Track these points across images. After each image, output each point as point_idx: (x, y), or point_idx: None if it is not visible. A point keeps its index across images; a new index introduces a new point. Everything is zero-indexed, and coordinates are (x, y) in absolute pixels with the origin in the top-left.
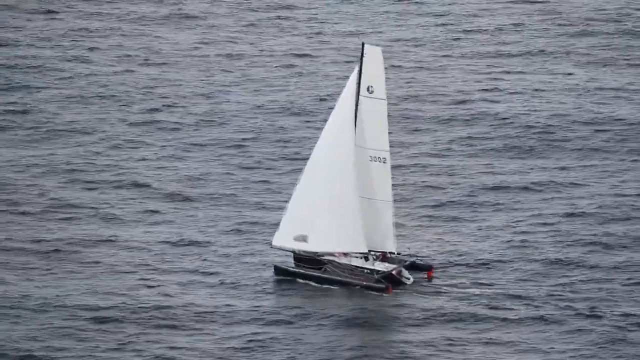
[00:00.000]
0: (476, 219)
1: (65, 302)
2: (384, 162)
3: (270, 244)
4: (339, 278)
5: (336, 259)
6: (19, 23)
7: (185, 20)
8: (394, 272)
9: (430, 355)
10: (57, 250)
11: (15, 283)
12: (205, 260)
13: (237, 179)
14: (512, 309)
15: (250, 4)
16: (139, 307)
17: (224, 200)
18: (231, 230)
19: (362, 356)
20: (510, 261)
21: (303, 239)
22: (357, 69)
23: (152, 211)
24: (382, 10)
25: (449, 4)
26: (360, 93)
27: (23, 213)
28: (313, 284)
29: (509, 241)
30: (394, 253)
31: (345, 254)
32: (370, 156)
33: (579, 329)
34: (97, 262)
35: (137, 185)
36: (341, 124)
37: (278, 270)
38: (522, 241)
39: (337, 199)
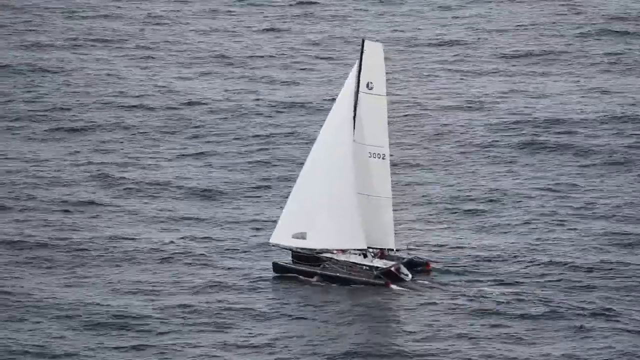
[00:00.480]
0: (493, 218)
1: (89, 301)
2: (383, 159)
3: (268, 241)
4: (337, 274)
5: (334, 256)
6: (42, 23)
7: (207, 20)
8: (392, 269)
9: (439, 350)
10: (80, 249)
11: (39, 282)
12: (227, 258)
13: (258, 177)
14: (527, 308)
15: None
16: (161, 306)
17: (246, 197)
18: (253, 228)
19: (367, 354)
20: (526, 260)
21: (302, 236)
22: (356, 65)
23: (173, 209)
24: (404, 10)
25: (471, 4)
26: (360, 89)
27: (45, 210)
28: (312, 280)
29: (526, 241)
30: (392, 250)
31: (343, 251)
32: (370, 152)
33: (595, 328)
34: (120, 260)
35: (158, 183)
36: (340, 122)
37: (277, 267)
38: (538, 239)
39: (336, 197)
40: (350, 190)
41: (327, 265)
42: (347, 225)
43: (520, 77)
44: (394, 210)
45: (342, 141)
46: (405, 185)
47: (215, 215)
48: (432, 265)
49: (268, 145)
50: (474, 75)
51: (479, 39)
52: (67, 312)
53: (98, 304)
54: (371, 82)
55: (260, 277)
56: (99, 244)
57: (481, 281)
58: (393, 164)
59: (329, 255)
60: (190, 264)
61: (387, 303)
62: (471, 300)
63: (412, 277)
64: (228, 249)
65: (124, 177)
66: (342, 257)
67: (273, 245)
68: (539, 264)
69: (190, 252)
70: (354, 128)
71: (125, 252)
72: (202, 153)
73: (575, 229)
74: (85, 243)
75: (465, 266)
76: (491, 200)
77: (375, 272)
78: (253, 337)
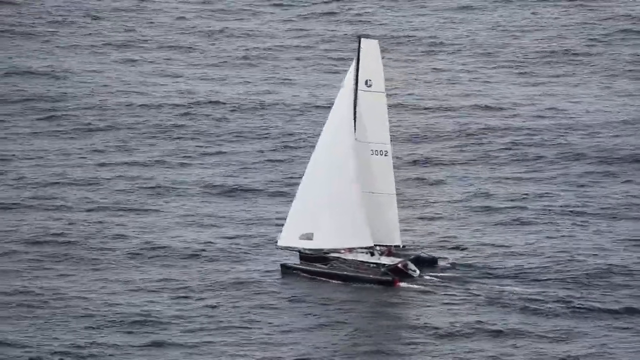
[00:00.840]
0: (516, 217)
1: (114, 300)
2: (385, 155)
3: (275, 244)
4: (345, 273)
5: (342, 256)
6: (66, 26)
7: (230, 21)
8: (400, 265)
9: (461, 349)
10: (104, 249)
11: (64, 281)
12: (251, 256)
13: (281, 176)
14: (549, 307)
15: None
16: (186, 305)
17: (269, 196)
18: (276, 226)
19: (391, 353)
20: (549, 260)
21: (308, 237)
22: (354, 63)
23: (196, 208)
24: (427, 11)
25: (494, 5)
26: (359, 87)
27: (70, 210)
28: (320, 280)
29: (549, 241)
30: (399, 247)
31: (350, 250)
32: (372, 150)
33: (618, 328)
34: (144, 259)
35: (182, 182)
36: (339, 120)
37: (285, 268)
38: (561, 239)
39: (339, 196)
40: (352, 188)
41: (334, 265)
42: (351, 223)
43: (543, 78)
44: (418, 208)
45: (342, 139)
46: (430, 184)
47: (238, 214)
48: (451, 261)
49: (291, 145)
50: (497, 77)
51: (502, 40)
52: (92, 311)
53: (123, 304)
54: (370, 80)
55: (283, 275)
56: (124, 242)
57: (502, 279)
58: (417, 164)
59: (336, 254)
60: (214, 262)
61: (405, 301)
62: (492, 298)
63: (420, 274)
64: (251, 248)
65: (148, 177)
66: (349, 256)
67: (281, 249)
68: (561, 264)
69: (214, 251)
70: (355, 126)
71: (150, 251)
72: (225, 152)
73: (599, 230)
74: (110, 242)
75: (489, 265)
76: (514, 200)
77: (382, 270)
78: (276, 334)
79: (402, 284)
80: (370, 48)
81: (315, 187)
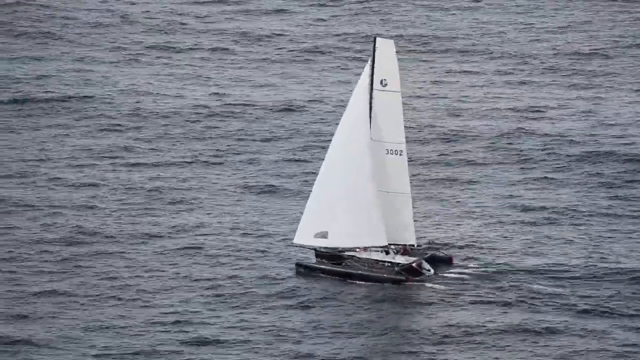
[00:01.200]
0: (545, 218)
1: (146, 299)
2: (400, 155)
3: (291, 241)
4: (359, 272)
5: (357, 254)
6: (98, 31)
7: (260, 22)
8: (414, 264)
9: (487, 349)
10: (135, 248)
11: (97, 280)
12: (283, 253)
13: (313, 176)
14: (578, 306)
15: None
16: (218, 303)
17: (300, 194)
18: None
19: (401, 351)
20: (578, 261)
21: (323, 235)
22: (369, 63)
23: (226, 207)
24: (463, 12)
25: (529, 10)
26: (374, 87)
27: (103, 209)
28: (335, 279)
29: (578, 243)
30: (413, 246)
31: (365, 249)
32: (387, 149)
33: None
34: (177, 257)
35: (210, 183)
36: (355, 119)
37: (300, 267)
38: (590, 241)
39: (353, 194)
40: (368, 187)
41: (348, 264)
42: (366, 222)
43: (576, 80)
44: (449, 208)
45: (357, 138)
46: (462, 184)
47: (271, 214)
48: (482, 261)
49: (323, 145)
50: (530, 79)
51: (535, 42)
52: (125, 311)
53: (157, 304)
54: (385, 79)
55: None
56: (157, 242)
57: (534, 279)
58: (449, 164)
59: (351, 253)
60: (246, 261)
61: (435, 300)
62: (524, 298)
63: (435, 273)
64: (283, 247)
65: (181, 178)
66: (364, 255)
67: (297, 246)
68: (592, 265)
69: (246, 250)
70: (371, 126)
71: (183, 251)
72: (258, 153)
73: (630, 231)
74: (143, 242)
75: (520, 265)
76: (545, 201)
77: (396, 269)
78: (307, 333)
79: (428, 284)
80: (385, 47)
81: (330, 186)
